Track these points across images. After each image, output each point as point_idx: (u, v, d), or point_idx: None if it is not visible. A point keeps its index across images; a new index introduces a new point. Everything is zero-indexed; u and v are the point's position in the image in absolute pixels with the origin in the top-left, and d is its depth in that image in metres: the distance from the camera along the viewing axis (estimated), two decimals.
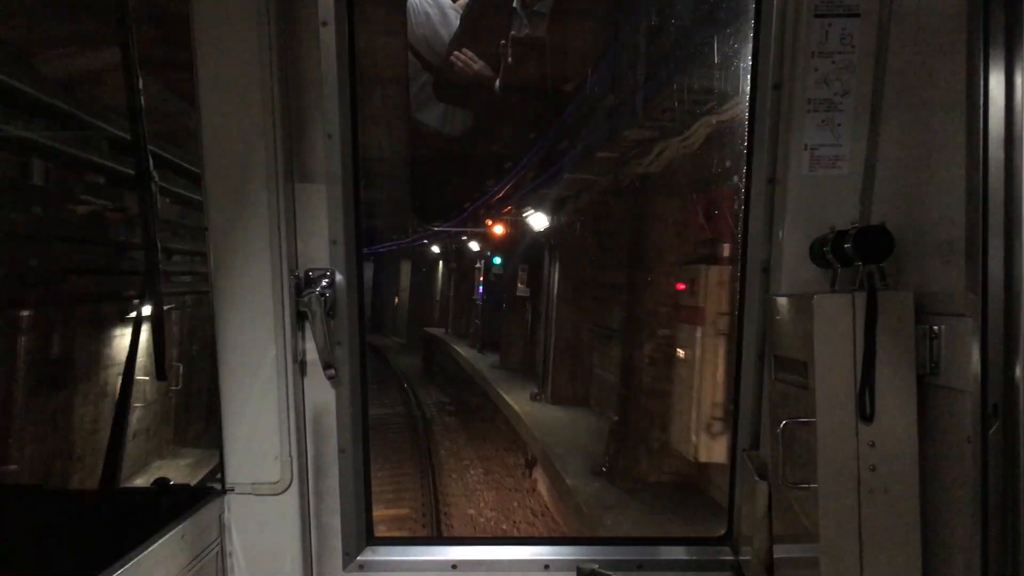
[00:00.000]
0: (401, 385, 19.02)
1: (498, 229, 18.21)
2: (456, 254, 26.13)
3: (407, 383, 19.07)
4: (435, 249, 28.31)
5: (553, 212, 13.80)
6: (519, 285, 17.34)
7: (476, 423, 14.79)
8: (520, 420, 12.24)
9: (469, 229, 20.60)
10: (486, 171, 14.44)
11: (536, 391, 13.84)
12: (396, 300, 32.83)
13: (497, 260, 20.04)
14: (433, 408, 16.44)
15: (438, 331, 26.75)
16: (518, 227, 16.75)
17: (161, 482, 2.06)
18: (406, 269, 32.10)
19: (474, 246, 22.26)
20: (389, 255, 30.17)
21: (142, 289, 2.20)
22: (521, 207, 15.28)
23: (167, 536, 1.77)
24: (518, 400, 13.47)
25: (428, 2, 4.13)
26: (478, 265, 22.40)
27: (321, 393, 2.16)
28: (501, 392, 14.68)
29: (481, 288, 21.89)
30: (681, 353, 8.07)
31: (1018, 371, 1.47)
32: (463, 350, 21.10)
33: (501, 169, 13.94)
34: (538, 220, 14.58)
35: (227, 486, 2.07)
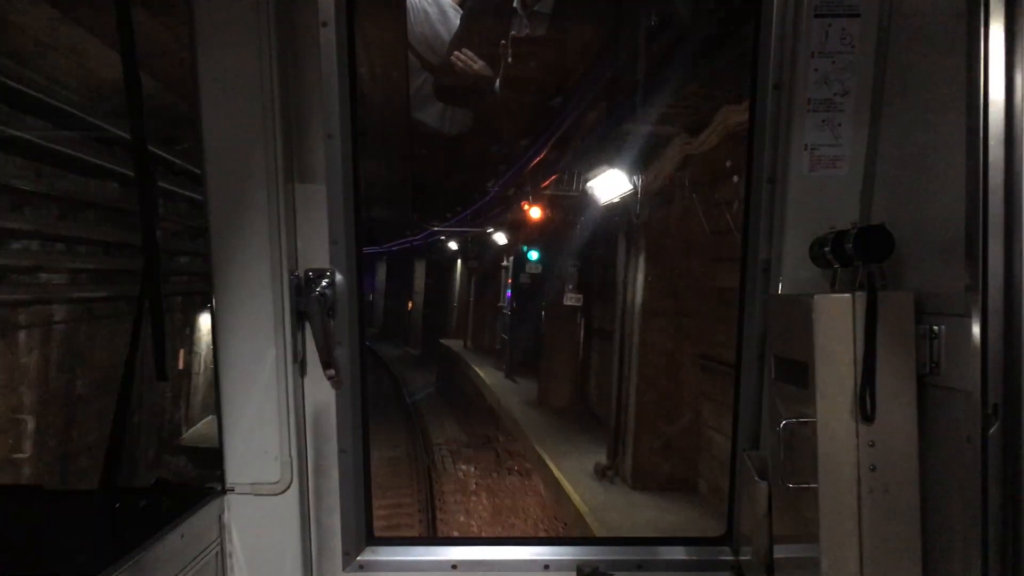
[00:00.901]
0: (408, 414, 14.48)
1: (535, 212, 12.53)
2: (477, 250, 21.38)
3: (416, 411, 14.66)
4: (452, 245, 23.84)
5: (636, 169, 7.89)
6: (567, 291, 11.85)
7: (502, 484, 9.45)
8: (584, 522, 7.13)
9: (492, 216, 16.29)
10: (518, 135, 9.48)
11: (606, 463, 8.57)
12: (410, 304, 28.57)
13: (533, 255, 14.75)
14: (446, 454, 11.27)
15: (455, 343, 22.02)
16: (566, 205, 11.35)
17: (161, 482, 2.06)
18: (420, 270, 28.20)
19: (500, 239, 17.73)
20: (402, 254, 26.45)
21: (142, 289, 2.19)
22: (574, 173, 9.88)
23: (167, 536, 1.77)
24: (575, 475, 8.37)
25: (427, 1, 4.13)
26: (505, 263, 17.52)
27: (321, 393, 2.16)
28: (545, 456, 9.11)
29: (509, 292, 16.73)
30: None
31: (1018, 371, 1.47)
32: (486, 373, 16.33)
33: (545, 118, 8.20)
34: (606, 188, 8.72)
35: (227, 486, 2.07)
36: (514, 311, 16.53)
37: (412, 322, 27.94)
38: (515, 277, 16.30)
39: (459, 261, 24.89)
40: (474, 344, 21.63)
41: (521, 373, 15.33)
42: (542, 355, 14.05)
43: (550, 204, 12.06)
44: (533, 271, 14.88)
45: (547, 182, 11.05)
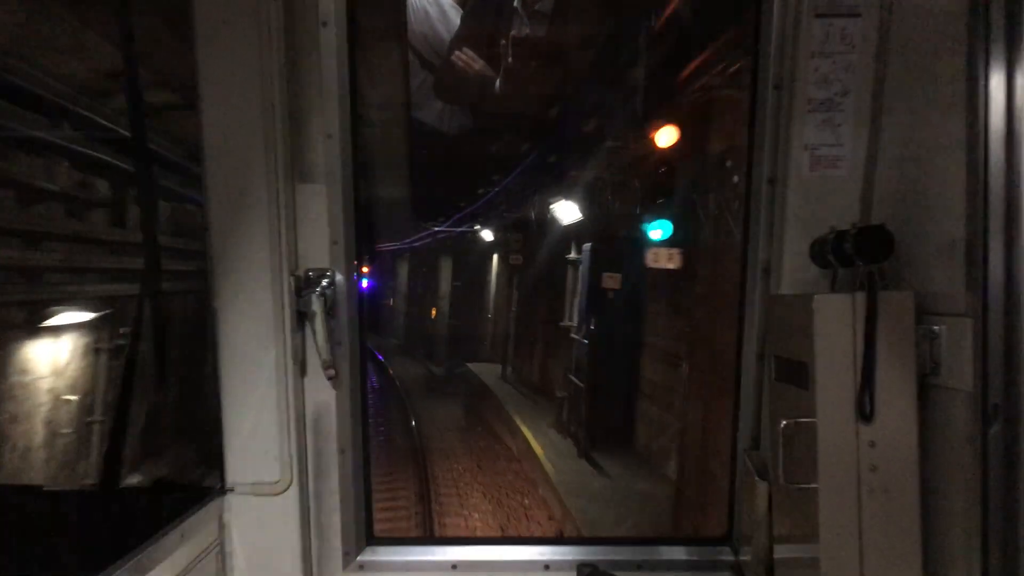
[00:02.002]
0: (419, 495, 9.06)
1: (664, 137, 5.90)
2: (523, 238, 14.32)
3: (428, 494, 9.03)
4: (486, 236, 17.04)
5: None
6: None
7: None
8: None
9: (552, 181, 9.39)
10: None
11: None
12: (433, 312, 23.19)
13: (656, 233, 6.56)
14: None
15: (488, 371, 15.22)
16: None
17: (161, 482, 2.06)
18: (446, 268, 22.68)
19: (565, 213, 9.85)
20: (424, 250, 22.21)
21: (143, 289, 2.19)
22: None
23: (167, 536, 1.77)
24: None
25: (428, 0, 4.13)
26: (573, 255, 10.49)
27: (321, 393, 2.16)
28: None
29: (585, 302, 9.39)
30: None
31: (1018, 371, 1.47)
32: (540, 439, 9.59)
33: None
34: None
35: (227, 486, 2.07)
36: (596, 338, 9.05)
37: (436, 333, 22.36)
38: (593, 278, 9.07)
39: (495, 256, 17.70)
40: (516, 376, 14.21)
41: (610, 453, 8.32)
42: (683, 437, 6.46)
43: (710, 111, 5.35)
44: (663, 263, 6.88)
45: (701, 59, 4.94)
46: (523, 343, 14.79)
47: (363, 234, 2.26)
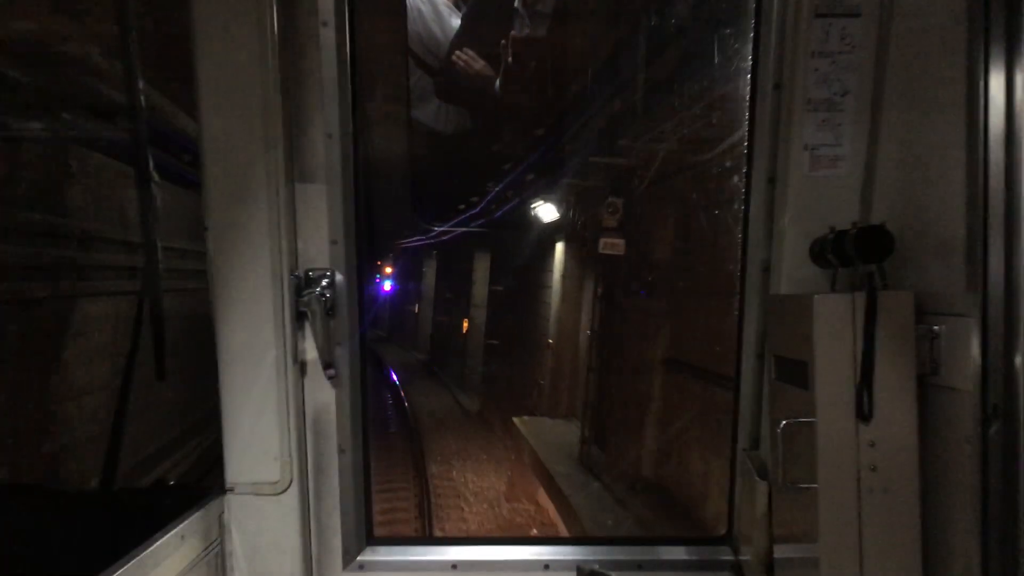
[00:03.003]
0: None
1: None
2: (625, 200, 7.06)
3: None
4: (543, 212, 10.65)
5: None
6: None
7: None
8: None
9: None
10: None
11: None
12: (465, 325, 17.69)
13: None
14: None
15: (547, 436, 9.57)
16: None
17: (161, 482, 2.06)
18: (482, 267, 16.72)
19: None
20: (455, 245, 17.03)
21: (143, 288, 2.19)
22: None
23: (167, 536, 1.77)
24: None
25: (422, 0, 4.13)
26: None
27: (321, 393, 2.16)
28: None
29: None
30: None
31: (1018, 371, 1.47)
32: None
33: None
34: None
35: (227, 486, 2.07)
36: None
37: (468, 352, 17.07)
38: None
39: (558, 246, 11.15)
40: (612, 471, 8.10)
41: None
42: None
43: None
44: None
45: None
46: (632, 401, 7.43)
47: (364, 234, 2.26)
